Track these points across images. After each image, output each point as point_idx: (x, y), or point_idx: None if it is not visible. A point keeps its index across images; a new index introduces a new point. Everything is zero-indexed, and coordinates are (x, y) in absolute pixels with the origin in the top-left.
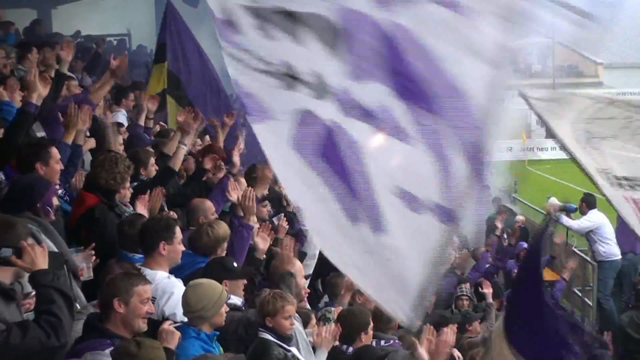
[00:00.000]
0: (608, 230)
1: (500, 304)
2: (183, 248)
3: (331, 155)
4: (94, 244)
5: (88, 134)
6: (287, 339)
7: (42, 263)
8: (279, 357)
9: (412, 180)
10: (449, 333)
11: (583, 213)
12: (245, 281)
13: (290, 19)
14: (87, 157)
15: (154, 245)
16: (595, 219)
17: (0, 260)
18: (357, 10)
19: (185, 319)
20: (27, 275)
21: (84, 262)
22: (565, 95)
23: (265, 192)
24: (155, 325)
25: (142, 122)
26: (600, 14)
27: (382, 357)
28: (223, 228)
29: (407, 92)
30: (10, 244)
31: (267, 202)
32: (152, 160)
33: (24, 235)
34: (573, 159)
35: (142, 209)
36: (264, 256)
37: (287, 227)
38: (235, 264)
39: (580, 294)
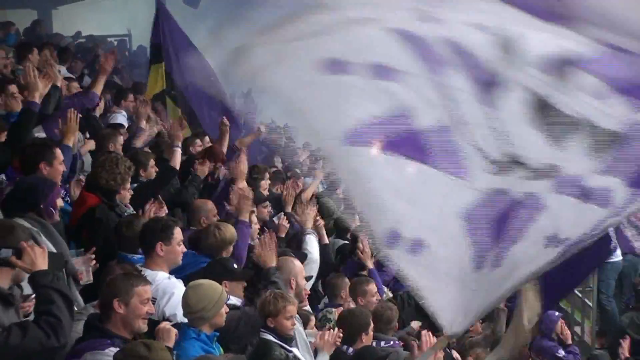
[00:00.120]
0: (608, 231)
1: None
2: (183, 249)
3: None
4: (94, 248)
5: (88, 135)
6: (289, 339)
7: (42, 264)
8: (281, 357)
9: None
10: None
11: None
12: (244, 283)
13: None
14: (87, 159)
15: (151, 246)
16: None
17: (0, 261)
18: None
19: (186, 320)
20: (26, 277)
21: (84, 266)
22: None
23: (266, 193)
24: (155, 325)
25: (142, 124)
26: None
27: (382, 357)
28: (230, 231)
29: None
30: (8, 247)
31: (267, 202)
32: (152, 161)
33: (23, 238)
34: None
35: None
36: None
37: (288, 226)
38: (235, 265)
39: (580, 295)
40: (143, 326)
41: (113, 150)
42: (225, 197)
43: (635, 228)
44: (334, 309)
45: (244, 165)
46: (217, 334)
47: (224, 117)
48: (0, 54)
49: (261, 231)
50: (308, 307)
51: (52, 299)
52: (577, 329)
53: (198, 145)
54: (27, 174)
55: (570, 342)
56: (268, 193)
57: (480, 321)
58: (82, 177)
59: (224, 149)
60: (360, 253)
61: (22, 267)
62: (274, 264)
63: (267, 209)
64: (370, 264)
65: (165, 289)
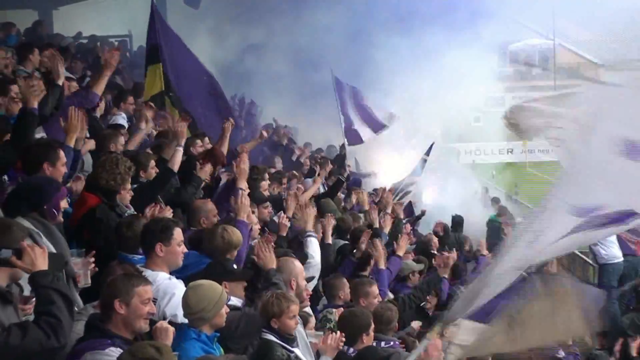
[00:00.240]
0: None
1: None
2: (184, 249)
3: None
4: (94, 252)
5: (88, 135)
6: (291, 339)
7: (42, 264)
8: (282, 358)
9: None
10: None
11: None
12: (245, 283)
13: None
14: (88, 159)
15: (151, 246)
16: None
17: (0, 261)
18: None
19: (186, 320)
20: (24, 275)
21: (82, 270)
22: None
23: (267, 193)
24: None
25: (142, 126)
26: None
27: (384, 358)
28: (237, 235)
29: None
30: (6, 246)
31: (268, 203)
32: (153, 162)
33: (21, 237)
34: None
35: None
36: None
37: (288, 224)
38: (234, 266)
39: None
40: (144, 326)
41: (114, 151)
42: (226, 198)
43: (629, 230)
44: (334, 310)
45: (245, 165)
46: (218, 334)
47: (227, 117)
48: (1, 54)
49: (262, 231)
50: (308, 309)
51: (52, 300)
52: None
53: (199, 146)
54: (30, 174)
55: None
56: (269, 194)
57: None
58: (81, 175)
59: (225, 150)
60: (374, 252)
61: (22, 267)
62: (274, 265)
63: (267, 209)
64: (383, 265)
65: (166, 289)
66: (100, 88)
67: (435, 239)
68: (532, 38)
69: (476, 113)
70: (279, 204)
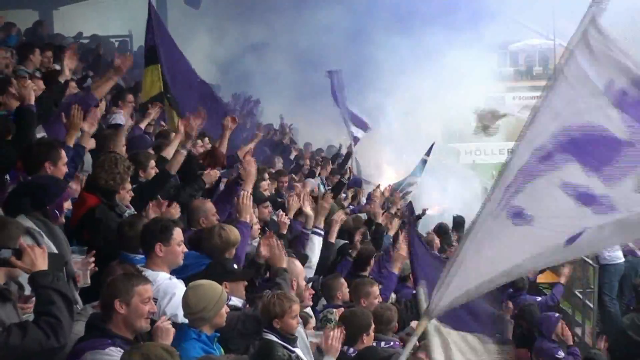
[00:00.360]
0: None
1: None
2: (184, 249)
3: None
4: (94, 252)
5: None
6: (292, 340)
7: (42, 264)
8: (283, 358)
9: None
10: None
11: None
12: (245, 283)
13: None
14: (88, 159)
15: (151, 246)
16: None
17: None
18: None
19: (187, 320)
20: (21, 274)
21: (82, 269)
22: None
23: (267, 193)
24: None
25: (143, 126)
26: None
27: (384, 358)
28: (234, 233)
29: None
30: (1, 244)
31: (268, 202)
32: (153, 162)
33: (16, 235)
34: None
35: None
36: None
37: (288, 222)
38: (235, 266)
39: (581, 296)
40: (145, 325)
41: (113, 151)
42: (226, 198)
43: None
44: (334, 310)
45: (253, 168)
46: (218, 334)
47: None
48: (2, 54)
49: (262, 231)
50: (309, 309)
51: (52, 300)
52: (578, 330)
53: (199, 146)
54: (31, 173)
55: (571, 343)
56: (269, 194)
57: None
58: (80, 175)
59: (224, 149)
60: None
61: (21, 267)
62: (284, 265)
63: (267, 209)
64: (396, 269)
65: (166, 289)
66: (101, 92)
67: (437, 239)
68: (532, 38)
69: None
70: (278, 204)
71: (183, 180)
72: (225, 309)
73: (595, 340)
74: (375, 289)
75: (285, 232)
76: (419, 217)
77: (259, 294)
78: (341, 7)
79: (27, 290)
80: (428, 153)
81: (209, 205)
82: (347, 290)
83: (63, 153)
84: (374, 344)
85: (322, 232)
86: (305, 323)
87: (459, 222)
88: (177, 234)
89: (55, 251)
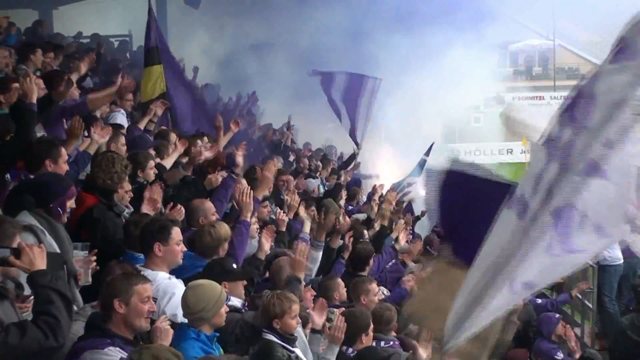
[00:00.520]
0: None
1: None
2: (183, 248)
3: None
4: (96, 250)
5: (86, 133)
6: (292, 340)
7: (41, 263)
8: (283, 358)
9: None
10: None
11: None
12: (245, 282)
13: None
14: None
15: (149, 246)
16: None
17: None
18: None
19: (186, 320)
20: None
21: (83, 267)
22: None
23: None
24: None
25: (142, 126)
26: None
27: (384, 358)
28: (224, 228)
29: None
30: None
31: (267, 202)
32: (152, 163)
33: (12, 234)
34: None
35: (147, 209)
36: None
37: (286, 219)
38: (234, 265)
39: (580, 297)
40: (145, 325)
41: (110, 150)
42: (223, 193)
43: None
44: (335, 310)
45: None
46: (217, 334)
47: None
48: (2, 53)
49: (260, 230)
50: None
51: (50, 299)
52: (577, 330)
53: (199, 146)
54: (32, 171)
55: (573, 344)
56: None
57: None
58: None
59: (222, 147)
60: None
61: (20, 267)
62: (302, 275)
63: (266, 209)
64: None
65: (165, 289)
66: (96, 106)
67: (437, 240)
68: (532, 38)
69: (476, 113)
70: (278, 203)
71: (184, 181)
72: (224, 309)
73: (594, 340)
74: (374, 286)
75: (284, 229)
76: (418, 218)
77: (259, 294)
78: (341, 7)
79: (27, 291)
80: (427, 153)
81: (208, 205)
82: (344, 290)
83: (63, 151)
84: (374, 344)
85: (322, 245)
86: (305, 323)
87: None
88: (176, 233)
89: (57, 249)
